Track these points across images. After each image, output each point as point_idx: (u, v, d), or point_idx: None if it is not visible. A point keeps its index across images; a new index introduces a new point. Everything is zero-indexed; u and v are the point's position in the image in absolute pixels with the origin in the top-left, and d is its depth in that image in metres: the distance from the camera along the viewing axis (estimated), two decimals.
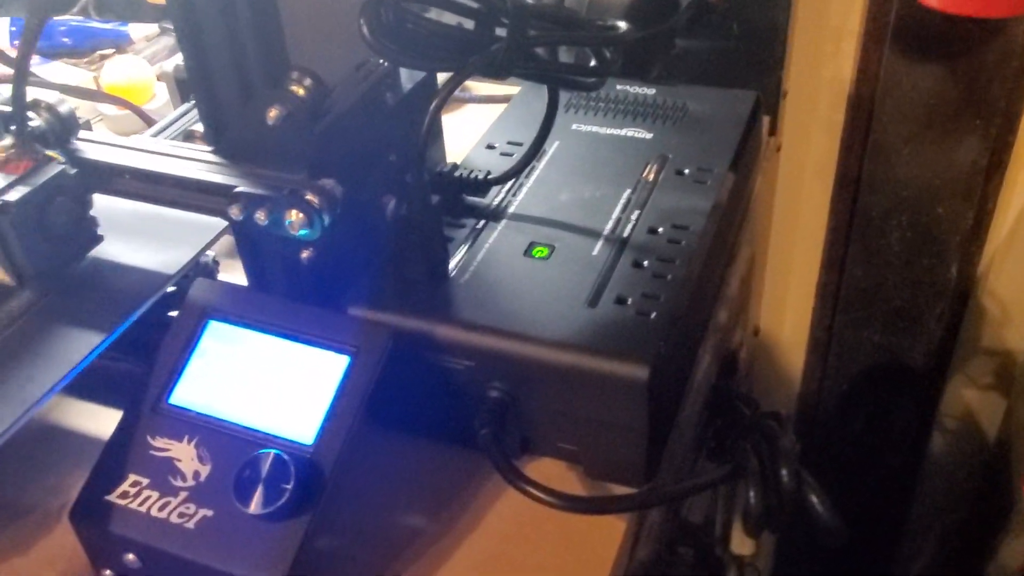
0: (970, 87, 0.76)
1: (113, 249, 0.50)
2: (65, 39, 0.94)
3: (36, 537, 0.47)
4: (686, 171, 0.57)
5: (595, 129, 0.61)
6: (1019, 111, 0.77)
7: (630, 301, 0.47)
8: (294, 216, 0.43)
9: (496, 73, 0.44)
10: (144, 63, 0.88)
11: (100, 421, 0.52)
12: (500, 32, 0.44)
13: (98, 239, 0.50)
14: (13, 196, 0.44)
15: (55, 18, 0.92)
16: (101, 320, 0.46)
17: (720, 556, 0.66)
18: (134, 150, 0.48)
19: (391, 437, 0.51)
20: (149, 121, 0.76)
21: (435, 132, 0.59)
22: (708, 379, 0.56)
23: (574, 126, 0.62)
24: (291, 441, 0.43)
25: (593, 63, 0.47)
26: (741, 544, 0.64)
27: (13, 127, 0.45)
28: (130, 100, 0.81)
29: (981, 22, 0.72)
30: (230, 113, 0.46)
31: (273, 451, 0.42)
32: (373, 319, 0.46)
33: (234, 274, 0.55)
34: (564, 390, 0.45)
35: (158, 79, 0.69)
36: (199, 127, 0.60)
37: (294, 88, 0.44)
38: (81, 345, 0.45)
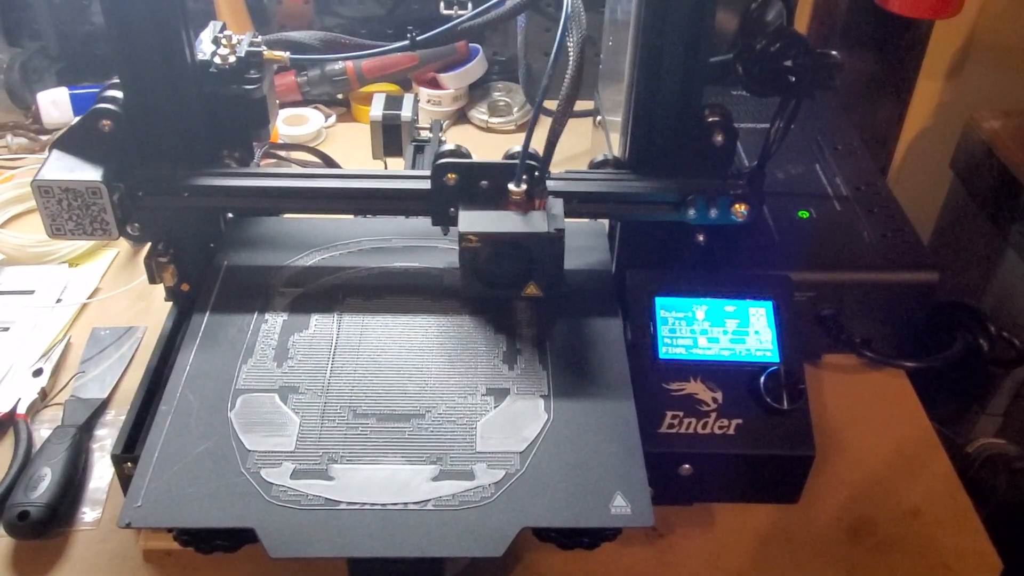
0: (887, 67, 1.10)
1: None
2: None
3: None
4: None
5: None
6: (915, 82, 1.12)
7: (888, 235, 0.72)
8: (738, 208, 0.62)
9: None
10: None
11: None
12: None
13: None
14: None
15: None
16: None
17: None
18: (587, 180, 0.62)
19: None
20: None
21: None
22: None
23: None
24: (767, 360, 0.62)
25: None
26: None
27: (535, 173, 0.57)
28: None
29: (904, 22, 1.05)
30: (664, 142, 0.62)
31: (774, 367, 0.61)
32: (774, 275, 0.66)
33: None
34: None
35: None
36: None
37: (713, 118, 0.62)
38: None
